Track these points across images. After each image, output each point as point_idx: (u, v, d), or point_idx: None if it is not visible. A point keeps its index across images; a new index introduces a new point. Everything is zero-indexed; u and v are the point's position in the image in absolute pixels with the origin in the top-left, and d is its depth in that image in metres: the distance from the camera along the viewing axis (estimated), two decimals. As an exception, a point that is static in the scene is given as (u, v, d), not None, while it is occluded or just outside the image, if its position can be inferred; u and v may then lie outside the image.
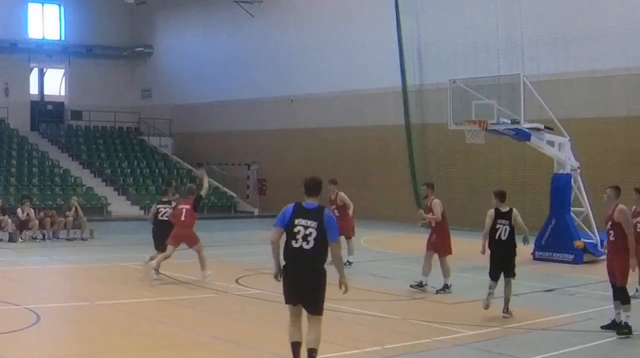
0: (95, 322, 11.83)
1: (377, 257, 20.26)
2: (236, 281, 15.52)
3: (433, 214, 14.70)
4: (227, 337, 10.77)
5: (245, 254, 20.45)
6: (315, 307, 8.36)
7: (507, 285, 12.37)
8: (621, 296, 11.04)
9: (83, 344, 10.54)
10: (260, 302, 13.48)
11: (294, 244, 8.17)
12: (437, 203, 14.76)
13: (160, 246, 15.82)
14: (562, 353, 10.04)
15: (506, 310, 12.28)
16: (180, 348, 10.19)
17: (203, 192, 16.11)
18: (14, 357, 9.56)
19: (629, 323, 10.90)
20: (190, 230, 15.61)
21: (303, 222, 8.16)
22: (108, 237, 24.79)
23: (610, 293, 11.31)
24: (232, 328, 11.50)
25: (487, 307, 12.24)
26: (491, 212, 12.52)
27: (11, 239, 22.78)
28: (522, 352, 10.15)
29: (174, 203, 16.08)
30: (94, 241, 23.73)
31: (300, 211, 8.25)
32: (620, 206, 11.28)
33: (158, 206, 16.43)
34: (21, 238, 22.87)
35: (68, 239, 23.54)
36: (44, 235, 23.40)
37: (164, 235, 15.67)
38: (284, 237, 8.43)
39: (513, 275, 12.41)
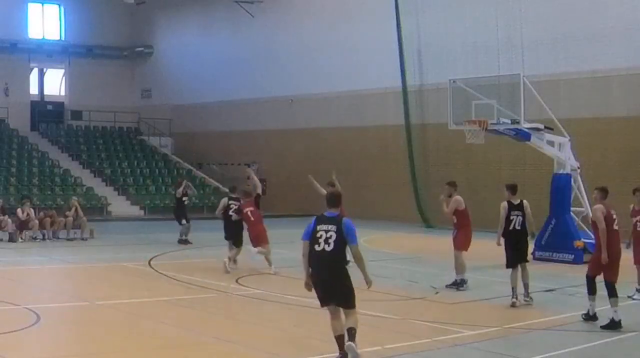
0: (95, 322, 11.83)
1: (377, 257, 20.22)
2: (236, 281, 15.51)
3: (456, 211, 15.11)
4: (227, 337, 10.76)
5: (245, 254, 20.42)
6: (346, 302, 9.10)
7: (524, 271, 13.35)
8: (587, 285, 11.77)
9: (83, 344, 10.54)
10: (260, 302, 13.49)
11: (317, 248, 9.05)
12: (454, 200, 15.10)
13: (231, 238, 17.62)
14: (562, 353, 10.03)
15: (527, 294, 13.23)
16: (180, 348, 10.19)
17: (259, 190, 17.57)
18: (14, 357, 9.56)
19: (594, 314, 11.62)
20: (262, 226, 17.16)
21: (324, 227, 9.07)
22: (108, 237, 24.78)
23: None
24: (232, 328, 11.50)
25: (514, 304, 12.96)
26: (504, 204, 13.51)
27: (11, 239, 22.78)
28: (522, 352, 10.15)
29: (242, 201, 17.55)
30: (94, 241, 23.71)
31: (322, 219, 9.21)
32: (595, 206, 11.92)
33: (229, 202, 17.80)
34: (21, 238, 22.86)
35: (68, 239, 23.53)
36: (44, 235, 23.39)
37: (233, 227, 17.48)
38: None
39: (527, 260, 13.54)
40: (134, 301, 13.47)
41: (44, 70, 44.98)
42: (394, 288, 15.08)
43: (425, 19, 30.44)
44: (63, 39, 43.36)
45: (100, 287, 15.27)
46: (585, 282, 11.78)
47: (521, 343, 10.77)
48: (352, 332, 9.06)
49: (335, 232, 8.98)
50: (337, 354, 9.16)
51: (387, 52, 31.50)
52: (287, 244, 19.84)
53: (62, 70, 44.58)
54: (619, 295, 11.51)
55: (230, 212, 17.55)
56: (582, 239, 19.20)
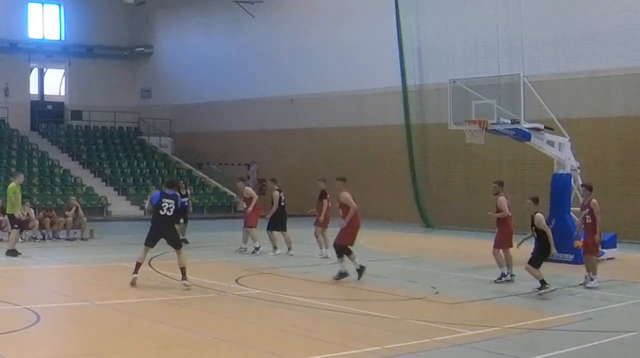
0: (95, 322, 11.82)
1: (377, 257, 20.26)
2: (236, 281, 15.51)
3: (499, 212, 15.78)
4: (227, 337, 10.77)
5: (245, 254, 20.45)
6: (177, 244, 14.89)
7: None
8: (337, 252, 15.42)
9: (83, 344, 10.53)
10: (260, 302, 13.48)
11: (161, 213, 14.54)
12: (501, 200, 15.75)
13: (282, 227, 20.22)
14: (562, 353, 10.02)
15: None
16: (180, 348, 10.18)
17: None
18: (14, 357, 9.55)
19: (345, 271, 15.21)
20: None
21: (167, 200, 14.60)
22: (108, 237, 24.78)
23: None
24: (232, 328, 11.49)
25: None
26: (540, 215, 14.44)
27: (11, 239, 22.71)
28: (522, 352, 10.15)
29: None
30: (94, 241, 23.71)
31: (165, 195, 14.67)
32: (343, 192, 15.20)
33: (281, 194, 20.24)
34: (21, 238, 22.81)
35: (68, 239, 23.53)
36: (44, 235, 23.37)
37: (283, 218, 20.17)
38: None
39: None
40: (134, 301, 13.47)
41: (44, 70, 45.00)
42: (394, 288, 15.10)
43: (425, 18, 30.45)
44: (63, 39, 43.37)
45: (100, 287, 15.28)
46: (336, 250, 15.25)
47: (521, 343, 10.76)
48: (184, 270, 14.47)
49: (174, 204, 14.58)
50: (135, 273, 14.44)
51: (387, 52, 31.50)
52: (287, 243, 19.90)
53: (62, 70, 44.59)
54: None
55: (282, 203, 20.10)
56: (582, 239, 19.15)
